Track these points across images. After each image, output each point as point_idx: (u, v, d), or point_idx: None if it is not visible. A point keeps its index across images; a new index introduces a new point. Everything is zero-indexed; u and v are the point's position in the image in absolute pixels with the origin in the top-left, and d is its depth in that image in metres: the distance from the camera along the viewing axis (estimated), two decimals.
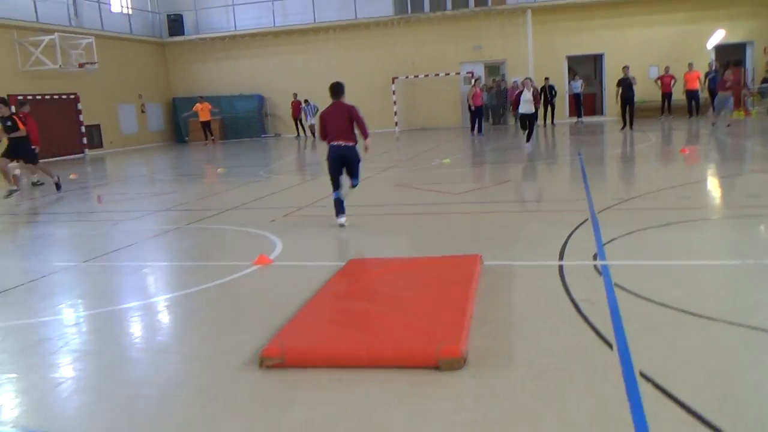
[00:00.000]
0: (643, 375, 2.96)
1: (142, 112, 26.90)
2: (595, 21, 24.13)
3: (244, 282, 5.10)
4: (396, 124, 25.66)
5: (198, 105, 23.92)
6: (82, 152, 23.03)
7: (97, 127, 24.18)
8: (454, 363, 3.13)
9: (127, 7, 26.19)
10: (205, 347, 3.80)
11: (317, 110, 19.82)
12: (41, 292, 5.25)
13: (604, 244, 5.50)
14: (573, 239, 5.74)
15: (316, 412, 2.84)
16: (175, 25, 27.67)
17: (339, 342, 3.47)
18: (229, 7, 27.21)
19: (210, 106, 24.02)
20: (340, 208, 6.80)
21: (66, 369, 3.60)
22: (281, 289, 4.90)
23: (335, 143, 6.78)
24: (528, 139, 14.07)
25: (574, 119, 23.49)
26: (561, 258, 5.14)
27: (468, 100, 21.16)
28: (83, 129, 23.17)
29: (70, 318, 4.52)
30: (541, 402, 2.82)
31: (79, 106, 22.99)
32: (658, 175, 10.04)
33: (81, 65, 21.77)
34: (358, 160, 6.98)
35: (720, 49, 23.84)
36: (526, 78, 15.06)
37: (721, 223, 6.45)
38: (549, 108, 22.89)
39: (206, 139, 24.42)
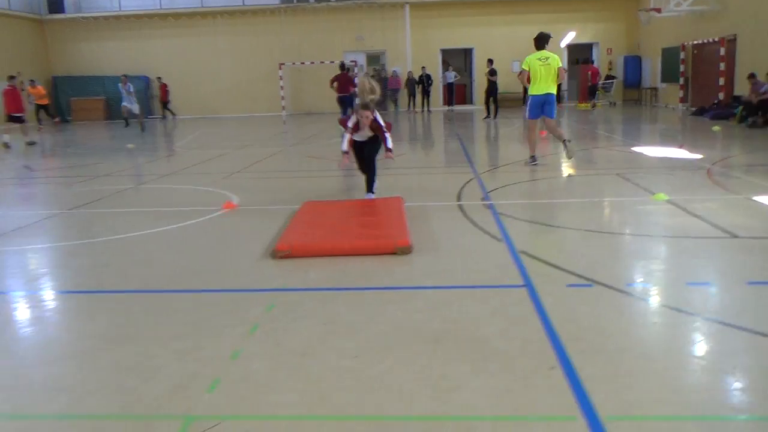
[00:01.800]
0: (523, 252, 4.86)
1: (21, 89, 26.34)
2: (466, 18, 26.69)
3: (221, 219, 6.57)
4: (283, 108, 26.98)
5: (30, 89, 22.12)
6: None
7: None
8: (406, 249, 4.89)
9: None
10: (224, 251, 5.31)
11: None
12: (59, 227, 6.44)
13: (489, 192, 7.48)
14: (464, 190, 7.69)
15: (320, 275, 4.52)
16: (55, 2, 27.28)
17: (327, 240, 5.17)
18: None
19: (43, 91, 23.02)
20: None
21: (132, 275, 4.99)
22: (255, 222, 6.44)
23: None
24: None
25: (446, 107, 25.91)
26: (459, 200, 7.06)
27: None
28: None
29: (103, 241, 5.83)
30: (461, 262, 4.66)
31: None
32: (519, 150, 12.31)
33: None
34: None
35: (572, 48, 27.18)
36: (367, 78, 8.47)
37: (566, 179, 8.65)
38: (425, 96, 25.19)
39: (54, 118, 24.55)
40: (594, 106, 24.38)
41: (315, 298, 4.12)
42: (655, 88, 24.90)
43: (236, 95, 27.54)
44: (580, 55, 27.83)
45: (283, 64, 26.73)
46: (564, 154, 9.53)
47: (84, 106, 27.29)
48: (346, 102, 17.69)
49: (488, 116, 20.26)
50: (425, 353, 3.17)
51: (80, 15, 27.40)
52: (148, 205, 7.69)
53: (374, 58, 27.87)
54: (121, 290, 4.40)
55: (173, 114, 26.70)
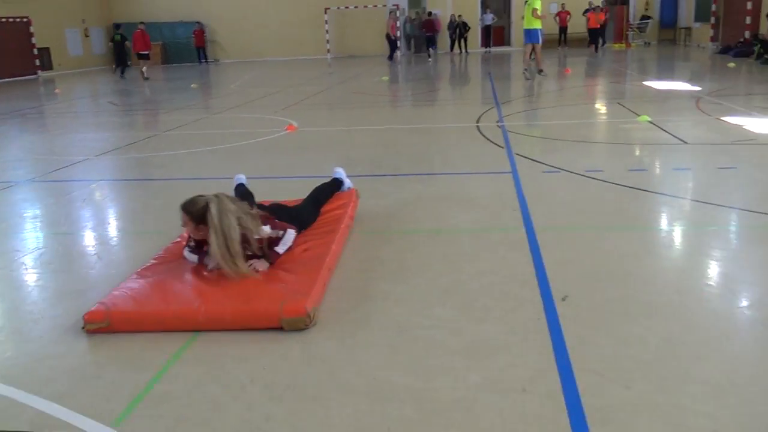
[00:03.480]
0: (517, 154, 6.47)
1: (86, 36, 28.41)
2: None
3: (287, 137, 8.31)
4: (328, 51, 28.44)
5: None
6: (36, 74, 24.62)
7: (47, 50, 25.68)
8: (299, 322, 2.89)
9: None
10: (308, 163, 7.05)
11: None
12: (162, 143, 8.28)
13: (504, 116, 9.04)
14: (485, 115, 9.26)
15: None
16: None
17: (170, 303, 3.09)
18: None
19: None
20: None
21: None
22: (317, 139, 8.17)
23: None
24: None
25: (484, 49, 26.97)
26: (478, 122, 8.65)
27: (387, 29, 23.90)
28: (35, 51, 24.71)
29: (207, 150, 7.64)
30: (467, 160, 6.31)
31: (32, 29, 24.47)
32: (544, 84, 13.70)
33: None
34: None
35: None
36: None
37: (570, 107, 10.12)
38: (462, 41, 26.33)
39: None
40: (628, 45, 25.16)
41: None
42: (689, 28, 25.50)
43: (283, 39, 29.03)
44: None
45: (329, 8, 28.04)
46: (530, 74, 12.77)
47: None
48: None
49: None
50: (437, 204, 4.89)
51: None
52: (226, 128, 9.48)
53: (416, 1, 28.91)
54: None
55: (206, 59, 28.04)
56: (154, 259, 3.70)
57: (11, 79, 22.38)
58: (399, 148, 7.42)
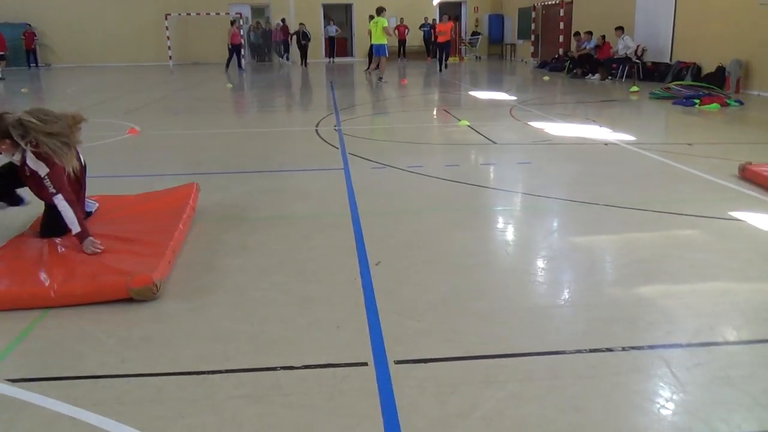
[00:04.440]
0: (351, 153, 7.16)
1: None
2: None
3: (129, 140, 8.46)
4: (170, 57, 27.96)
5: None
6: None
7: None
8: (146, 291, 3.20)
9: None
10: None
11: None
12: None
13: (342, 121, 9.76)
14: (324, 120, 9.92)
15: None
16: None
17: (23, 283, 3.34)
18: None
19: None
20: None
21: None
22: (160, 142, 8.40)
23: None
24: None
25: (328, 59, 27.83)
26: (317, 126, 9.29)
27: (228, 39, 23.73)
28: None
29: None
30: (304, 159, 6.91)
31: None
32: (380, 93, 14.67)
33: None
34: None
35: (442, 6, 29.69)
36: None
37: (401, 114, 11.08)
38: (303, 50, 26.93)
39: None
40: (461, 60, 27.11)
41: None
42: (514, 44, 27.95)
43: (122, 44, 28.14)
44: (451, 12, 30.39)
45: (170, 14, 27.61)
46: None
47: None
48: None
49: (368, 68, 22.42)
50: (277, 196, 5.43)
51: None
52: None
53: (259, 11, 29.23)
54: None
55: (37, 64, 26.85)
56: (4, 245, 3.95)
57: None
58: (243, 149, 7.88)
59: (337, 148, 7.54)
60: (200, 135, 8.98)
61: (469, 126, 9.04)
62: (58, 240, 3.96)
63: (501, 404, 2.37)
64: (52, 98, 15.20)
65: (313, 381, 2.56)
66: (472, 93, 13.98)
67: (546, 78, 17.43)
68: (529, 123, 9.26)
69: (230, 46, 22.82)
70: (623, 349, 2.77)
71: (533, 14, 24.78)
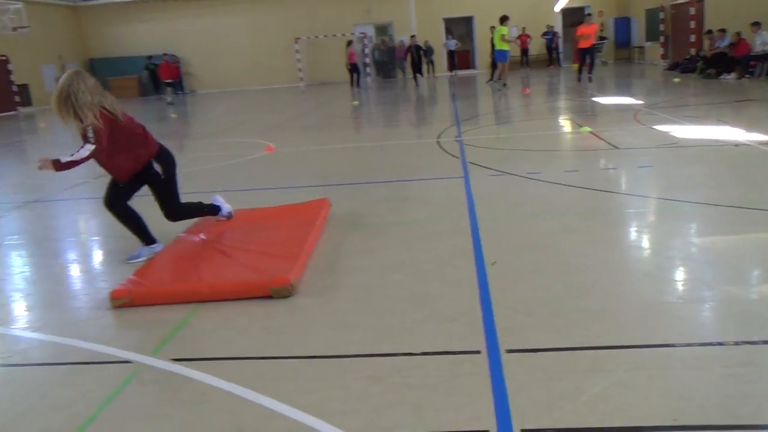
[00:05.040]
0: (471, 162, 7.37)
1: (62, 72, 29.01)
2: None
3: (267, 157, 9.14)
4: (300, 79, 29.43)
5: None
6: (15, 110, 25.21)
7: (26, 86, 26.32)
8: (284, 291, 3.62)
9: None
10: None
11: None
12: None
13: (462, 132, 9.99)
14: (446, 132, 10.20)
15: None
16: None
17: (184, 279, 3.98)
18: None
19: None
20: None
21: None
22: (294, 157, 9.02)
23: None
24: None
25: (450, 73, 28.15)
26: (438, 138, 9.58)
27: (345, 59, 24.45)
28: (14, 88, 25.34)
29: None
30: (428, 168, 7.20)
31: (10, 66, 25.13)
32: (502, 102, 14.74)
33: (15, 29, 23.97)
34: None
35: (565, 12, 29.23)
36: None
37: (529, 122, 11.13)
38: (430, 64, 27.41)
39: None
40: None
41: None
42: (642, 47, 26.94)
43: (256, 69, 29.98)
44: (574, 17, 29.83)
45: (299, 38, 29.09)
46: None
47: (120, 85, 29.82)
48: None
49: (491, 79, 22.57)
50: (398, 203, 5.76)
51: (111, 0, 29.89)
52: (211, 151, 10.30)
53: (382, 29, 30.11)
54: None
55: (183, 91, 29.06)
56: (165, 248, 4.56)
57: None
58: (367, 162, 8.31)
59: (458, 158, 7.77)
60: (329, 150, 9.53)
61: (591, 132, 8.97)
62: (211, 242, 4.64)
63: (606, 390, 2.50)
64: (201, 121, 16.52)
65: (430, 366, 2.81)
66: (597, 99, 13.74)
67: (676, 80, 16.74)
68: (654, 127, 9.05)
69: (349, 66, 23.75)
70: (735, 343, 2.80)
71: (661, 15, 23.82)
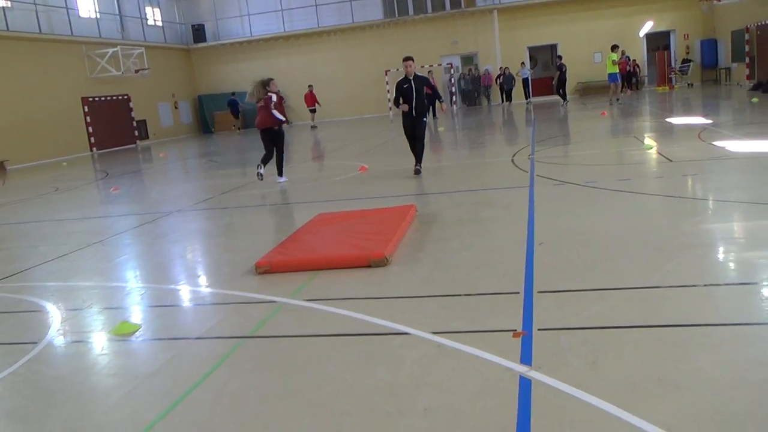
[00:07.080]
0: (538, 175, 8.51)
1: (176, 108, 32.10)
2: (549, 17, 29.80)
3: (361, 175, 10.58)
4: (390, 109, 31.16)
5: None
6: (135, 143, 28.13)
7: (144, 121, 29.32)
8: (381, 262, 4.97)
9: (160, 20, 31.37)
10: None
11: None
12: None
13: (536, 151, 11.12)
14: (521, 151, 11.35)
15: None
16: (199, 33, 32.89)
17: (307, 254, 5.36)
18: (244, 17, 32.45)
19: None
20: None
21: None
22: (387, 174, 10.43)
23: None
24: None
25: (525, 101, 28.97)
26: (513, 156, 10.75)
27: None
28: (135, 123, 28.32)
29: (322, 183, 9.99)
30: (497, 179, 8.40)
31: (131, 104, 28.14)
32: (576, 125, 15.68)
33: (137, 71, 26.95)
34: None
35: (649, 37, 29.67)
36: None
37: (597, 141, 12.08)
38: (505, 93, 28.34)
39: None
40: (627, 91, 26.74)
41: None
42: (728, 68, 27.01)
43: (349, 100, 32.01)
44: (658, 42, 30.21)
45: (389, 70, 30.90)
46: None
47: (225, 119, 32.59)
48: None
49: (565, 102, 23.66)
50: (471, 206, 7.01)
51: (219, 42, 32.81)
52: (316, 171, 11.88)
53: (468, 59, 31.50)
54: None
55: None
56: (293, 233, 6.06)
57: (115, 148, 25.86)
58: (447, 176, 9.59)
59: (527, 172, 8.93)
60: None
61: (652, 149, 9.89)
62: (326, 230, 6.14)
63: (602, 310, 3.66)
64: (304, 148, 18.35)
65: (482, 299, 4.06)
66: (669, 120, 14.47)
67: (754, 100, 17.12)
68: (712, 143, 9.87)
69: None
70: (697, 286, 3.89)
71: (747, 36, 23.99)
